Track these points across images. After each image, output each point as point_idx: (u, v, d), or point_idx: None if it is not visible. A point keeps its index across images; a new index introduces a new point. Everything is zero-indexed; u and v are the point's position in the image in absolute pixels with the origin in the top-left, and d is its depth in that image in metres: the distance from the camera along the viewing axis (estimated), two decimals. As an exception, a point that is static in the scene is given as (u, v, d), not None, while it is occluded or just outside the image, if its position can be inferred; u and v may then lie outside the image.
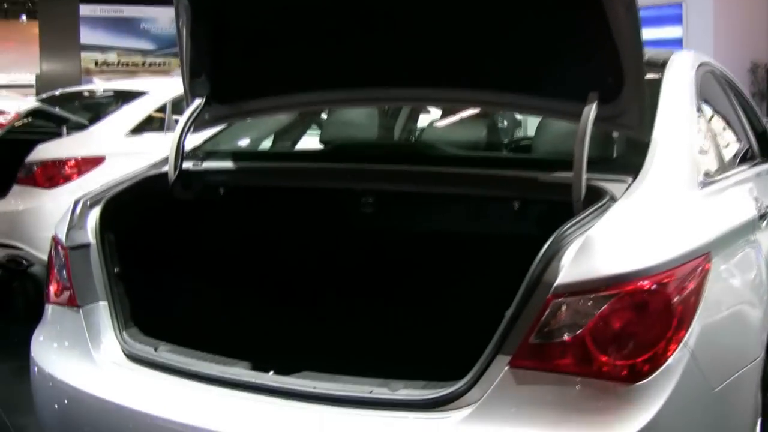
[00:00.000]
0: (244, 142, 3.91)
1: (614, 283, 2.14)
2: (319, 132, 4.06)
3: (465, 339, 2.43)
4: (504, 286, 2.35)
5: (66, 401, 2.72)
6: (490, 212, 3.08)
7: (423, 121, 4.77)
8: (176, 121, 8.35)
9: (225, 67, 3.13)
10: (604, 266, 2.14)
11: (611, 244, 2.20)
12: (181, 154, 3.08)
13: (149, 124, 7.63)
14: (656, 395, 2.14)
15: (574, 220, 2.24)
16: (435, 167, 2.93)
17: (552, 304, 2.13)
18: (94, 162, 6.71)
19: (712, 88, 3.77)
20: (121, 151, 6.85)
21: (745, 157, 3.92)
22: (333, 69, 3.04)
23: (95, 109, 8.22)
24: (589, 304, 2.13)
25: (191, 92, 3.12)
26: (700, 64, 3.48)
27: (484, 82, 2.85)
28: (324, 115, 4.27)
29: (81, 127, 7.25)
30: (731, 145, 3.83)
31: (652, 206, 2.42)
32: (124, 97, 7.86)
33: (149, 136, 7.37)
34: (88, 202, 2.91)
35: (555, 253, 2.17)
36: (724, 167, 3.26)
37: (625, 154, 2.94)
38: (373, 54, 2.91)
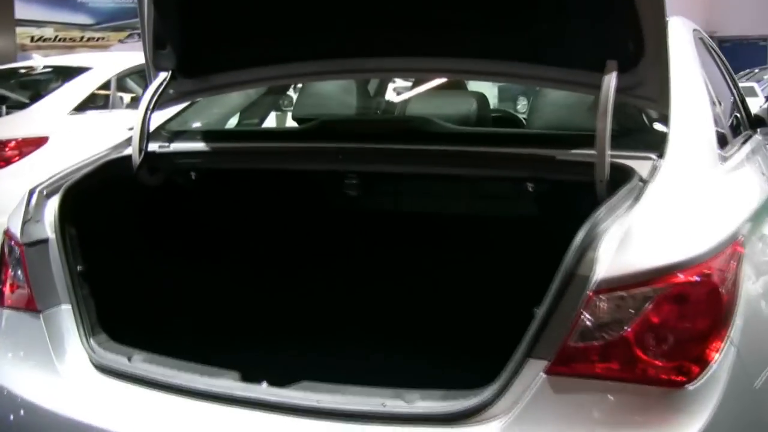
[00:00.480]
0: (208, 121, 3.55)
1: (661, 276, 1.90)
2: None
3: (481, 339, 2.19)
4: (521, 277, 2.10)
5: (25, 420, 2.39)
6: (502, 194, 2.82)
7: (403, 94, 4.43)
8: (121, 99, 8.20)
9: (192, 37, 2.80)
10: (650, 257, 1.91)
11: (655, 232, 1.97)
12: (146, 135, 2.75)
13: (93, 102, 7.38)
14: (706, 399, 1.92)
15: (606, 206, 1.99)
16: (437, 145, 2.63)
17: (594, 301, 1.88)
18: (37, 143, 6.37)
19: (704, 57, 3.55)
20: (65, 130, 6.58)
21: (738, 129, 3.74)
22: (311, 37, 2.74)
23: (35, 86, 7.91)
24: (634, 300, 1.89)
25: (155, 66, 2.80)
26: (694, 30, 3.26)
27: (486, 50, 2.56)
28: (292, 91, 3.95)
29: (21, 105, 6.97)
30: (730, 117, 3.64)
31: (685, 188, 2.21)
32: (66, 73, 7.54)
33: (94, 115, 7.11)
34: (45, 191, 2.58)
35: (590, 244, 1.92)
36: (731, 140, 3.07)
37: (639, 128, 2.71)
38: (358, 16, 2.61)
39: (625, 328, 1.89)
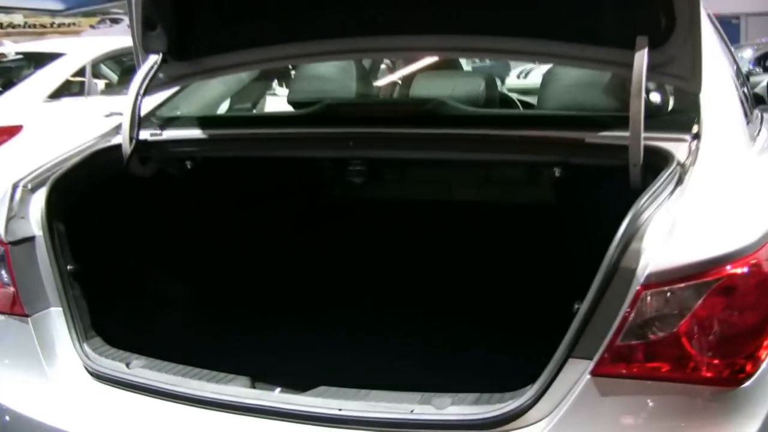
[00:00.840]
0: (198, 106, 3.34)
1: (712, 268, 1.75)
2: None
3: (505, 334, 2.03)
4: (543, 267, 1.95)
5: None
6: (528, 180, 2.66)
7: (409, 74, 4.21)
8: (96, 85, 7.99)
9: (183, 17, 2.61)
10: (700, 248, 1.76)
11: (702, 221, 1.83)
12: (137, 122, 2.56)
13: (68, 89, 7.22)
14: (762, 398, 1.79)
15: (649, 193, 1.83)
16: (459, 129, 2.46)
17: (643, 296, 1.72)
18: (10, 131, 6.22)
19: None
20: (40, 118, 6.42)
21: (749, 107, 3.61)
22: (308, 16, 2.57)
23: (6, 73, 7.73)
24: (685, 294, 1.74)
25: (144, 48, 2.61)
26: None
27: (504, 27, 2.39)
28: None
29: (-8, 93, 6.72)
30: (743, 95, 3.51)
31: (727, 173, 2.07)
32: (39, 60, 7.39)
33: (69, 102, 6.97)
34: (29, 185, 2.40)
35: (634, 234, 1.76)
36: (750, 119, 2.93)
37: (662, 108, 2.56)
38: None
39: (676, 324, 1.74)
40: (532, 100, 4.23)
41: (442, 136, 2.45)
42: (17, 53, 8.09)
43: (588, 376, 1.75)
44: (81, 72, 7.33)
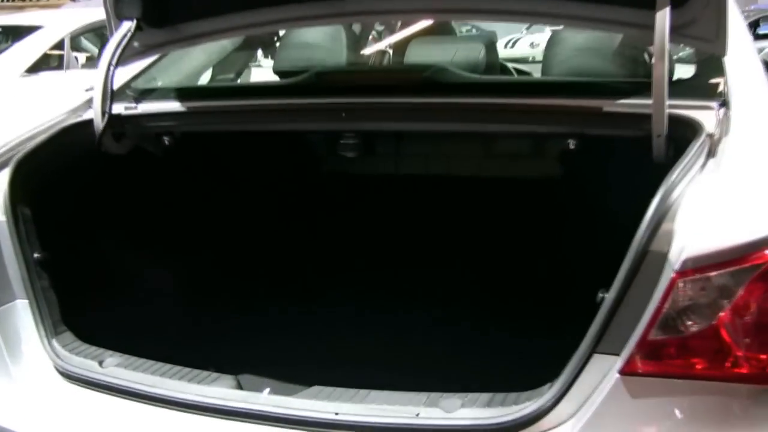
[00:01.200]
0: (178, 77, 3.12)
1: (754, 251, 1.54)
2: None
3: (522, 328, 1.84)
4: (566, 252, 1.75)
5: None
6: (536, 153, 2.46)
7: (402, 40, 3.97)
8: (76, 59, 7.76)
9: None
10: (740, 230, 1.56)
11: (740, 200, 1.63)
12: (109, 95, 2.35)
13: (46, 63, 7.12)
14: None
15: (680, 167, 1.64)
16: (464, 98, 2.24)
17: (678, 284, 1.52)
18: (-16, 108, 5.99)
19: None
20: (17, 94, 6.28)
21: None
22: None
23: None
24: (725, 281, 1.54)
25: (117, 14, 2.41)
26: None
27: None
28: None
29: (-32, 69, 6.60)
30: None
31: (762, 142, 1.88)
32: (15, 33, 7.28)
33: (48, 76, 6.84)
34: None
35: (665, 214, 1.57)
36: None
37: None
38: None
39: (714, 316, 1.54)
40: (526, 69, 4.03)
41: (444, 105, 2.23)
42: (-7, 26, 7.88)
43: (616, 375, 1.56)
44: (60, 45, 7.19)
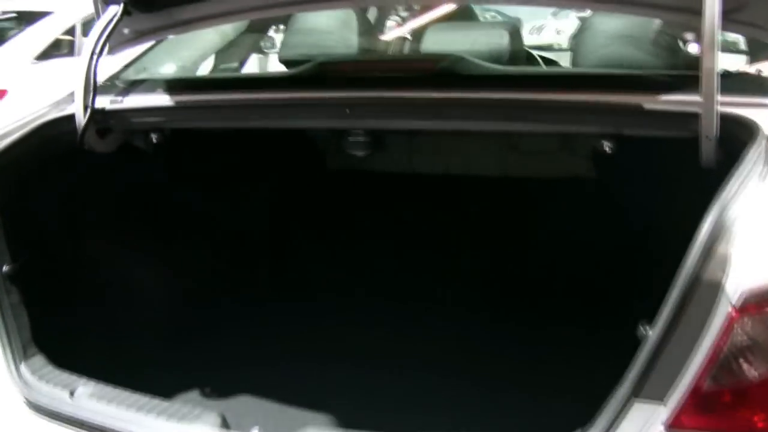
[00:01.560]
0: (174, 67, 2.88)
1: None
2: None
3: (545, 359, 1.63)
4: (598, 268, 1.52)
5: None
6: (568, 153, 2.22)
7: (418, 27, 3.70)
8: None
9: None
10: None
11: None
12: (92, 87, 2.16)
13: (57, 49, 6.91)
14: None
15: (738, 177, 1.39)
16: (480, 91, 1.99)
17: (739, 321, 1.28)
18: (-5, 95, 5.94)
19: None
20: (27, 81, 6.08)
21: None
22: None
23: None
24: None
25: None
26: None
27: None
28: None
29: (-25, 56, 6.51)
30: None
31: None
32: (26, 19, 7.08)
33: (59, 63, 6.60)
34: None
35: (721, 234, 1.33)
36: None
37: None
38: None
39: None
40: (553, 58, 3.76)
41: (461, 101, 1.98)
42: (3, 12, 7.71)
43: (661, 428, 1.32)
44: (71, 31, 7.02)
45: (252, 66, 3.51)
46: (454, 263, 2.51)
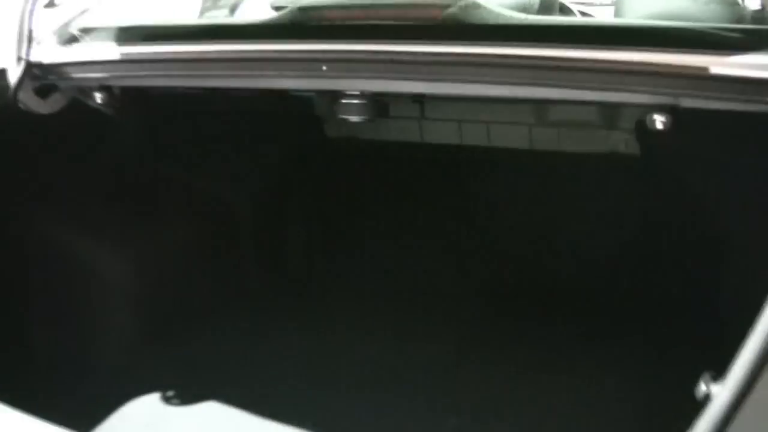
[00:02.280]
0: (146, 13, 2.48)
1: None
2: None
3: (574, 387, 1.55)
4: (640, 268, 1.55)
5: None
6: (610, 126, 1.86)
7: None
8: None
9: None
10: None
11: None
12: (27, 34, 1.82)
13: None
14: None
15: None
16: (501, 46, 1.53)
17: None
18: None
19: None
20: None
21: None
22: None
23: None
24: None
25: None
26: None
27: None
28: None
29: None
30: None
31: None
32: None
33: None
34: None
35: None
36: None
37: None
38: None
39: None
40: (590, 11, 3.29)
41: (475, 58, 1.54)
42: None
43: None
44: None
45: (246, 12, 3.10)
46: (464, 257, 2.20)
